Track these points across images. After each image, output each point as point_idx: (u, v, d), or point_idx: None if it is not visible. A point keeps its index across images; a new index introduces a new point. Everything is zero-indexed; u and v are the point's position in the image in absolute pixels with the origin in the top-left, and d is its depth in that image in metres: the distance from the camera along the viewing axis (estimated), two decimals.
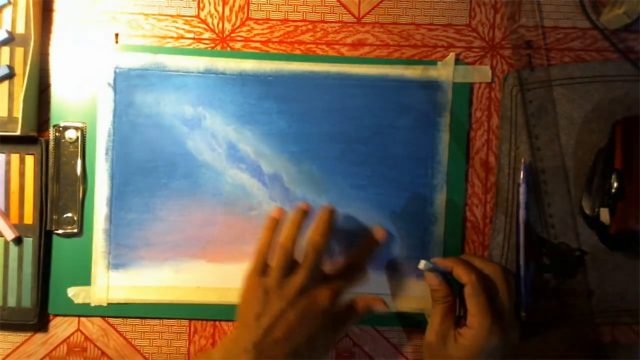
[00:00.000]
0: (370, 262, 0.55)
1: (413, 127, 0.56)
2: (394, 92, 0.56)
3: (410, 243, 0.56)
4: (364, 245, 0.55)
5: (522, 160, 0.55)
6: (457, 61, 0.56)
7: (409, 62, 0.56)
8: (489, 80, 0.56)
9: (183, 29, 0.56)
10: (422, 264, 0.50)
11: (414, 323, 0.56)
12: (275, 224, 0.52)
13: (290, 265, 0.50)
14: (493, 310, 0.48)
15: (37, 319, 0.54)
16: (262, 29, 0.56)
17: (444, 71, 0.56)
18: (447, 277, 0.51)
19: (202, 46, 0.56)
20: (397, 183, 0.56)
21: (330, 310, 0.49)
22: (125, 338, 0.56)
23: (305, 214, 0.52)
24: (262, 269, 0.50)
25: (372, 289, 0.56)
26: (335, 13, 0.56)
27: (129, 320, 0.56)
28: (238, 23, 0.56)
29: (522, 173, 0.55)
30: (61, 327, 0.56)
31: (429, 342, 0.51)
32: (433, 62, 0.56)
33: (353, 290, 0.52)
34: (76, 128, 0.55)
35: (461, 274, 0.49)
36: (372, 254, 0.55)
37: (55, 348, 0.56)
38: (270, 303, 0.48)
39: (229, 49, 0.56)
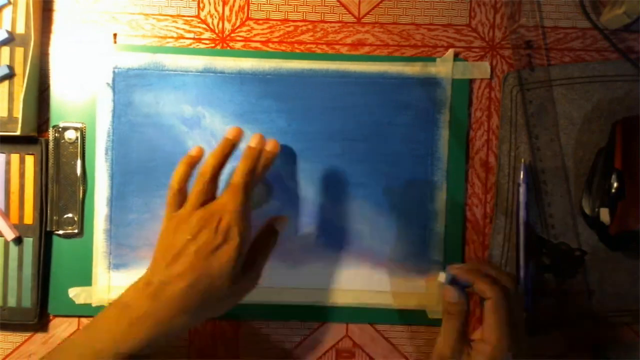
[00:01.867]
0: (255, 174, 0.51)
1: (412, 124, 0.56)
2: (393, 89, 0.56)
3: (411, 240, 0.56)
4: (242, 158, 0.51)
5: (522, 161, 0.55)
6: (456, 58, 0.56)
7: (408, 59, 0.56)
8: (488, 76, 0.56)
9: (183, 29, 0.56)
10: (442, 277, 0.48)
11: (414, 320, 0.56)
12: (193, 160, 0.50)
13: (210, 197, 0.49)
14: (511, 325, 0.46)
15: (37, 319, 0.54)
16: (262, 29, 0.56)
17: (443, 68, 0.56)
18: (464, 290, 0.48)
19: (202, 46, 0.56)
20: (396, 180, 0.56)
21: (237, 246, 0.47)
22: None
23: (231, 143, 0.50)
24: (176, 203, 0.49)
25: (372, 286, 0.56)
26: (335, 13, 0.56)
27: None
28: (238, 23, 0.56)
29: (522, 173, 0.55)
30: (61, 327, 0.56)
31: (442, 356, 0.48)
32: (432, 59, 0.56)
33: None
34: (75, 128, 0.55)
35: (484, 288, 0.47)
36: (250, 162, 0.50)
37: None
38: (178, 234, 0.47)
39: (229, 49, 0.56)
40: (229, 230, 0.47)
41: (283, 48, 0.56)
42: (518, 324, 0.48)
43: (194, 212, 0.48)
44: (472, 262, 0.51)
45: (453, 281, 0.48)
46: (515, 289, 0.48)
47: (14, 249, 0.54)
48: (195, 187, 0.49)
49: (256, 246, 0.50)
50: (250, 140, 0.51)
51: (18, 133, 0.53)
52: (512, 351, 0.46)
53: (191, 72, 0.56)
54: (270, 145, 0.52)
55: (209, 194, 0.49)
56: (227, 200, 0.48)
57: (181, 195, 0.49)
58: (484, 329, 0.46)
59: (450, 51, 0.56)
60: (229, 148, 0.50)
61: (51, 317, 0.56)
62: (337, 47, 0.56)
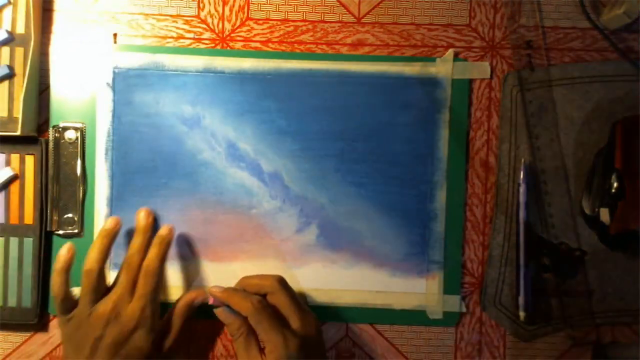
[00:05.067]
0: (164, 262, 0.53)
1: (412, 124, 0.56)
2: (393, 89, 0.56)
3: (411, 240, 0.56)
4: (153, 245, 0.53)
5: (522, 161, 0.55)
6: (456, 58, 0.56)
7: (408, 59, 0.56)
8: (488, 76, 0.56)
9: (183, 29, 0.56)
10: (211, 300, 0.50)
11: (414, 320, 0.56)
12: (66, 265, 0.51)
13: (102, 290, 0.51)
14: (283, 326, 0.48)
15: (37, 319, 0.55)
16: (262, 29, 0.56)
17: (443, 68, 0.56)
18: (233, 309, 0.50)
19: (202, 46, 0.56)
20: (397, 180, 0.56)
21: (146, 328, 0.50)
22: None
23: (111, 233, 0.52)
24: (66, 307, 0.50)
25: (372, 286, 0.56)
26: (335, 13, 0.56)
27: None
28: (238, 23, 0.56)
29: (522, 173, 0.55)
30: None
31: None
32: (432, 59, 0.56)
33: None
34: (75, 128, 0.55)
35: (238, 306, 0.49)
36: (162, 250, 0.52)
37: (55, 348, 0.56)
38: (83, 335, 0.49)
39: (229, 49, 0.56)
40: (141, 313, 0.49)
41: (283, 48, 0.56)
42: (294, 317, 0.49)
43: (94, 311, 0.49)
44: (241, 280, 0.53)
45: (220, 303, 0.50)
46: (280, 287, 0.50)
47: (14, 249, 0.54)
48: (85, 287, 0.50)
49: (170, 318, 0.53)
50: (161, 230, 0.53)
51: (18, 133, 0.53)
52: (297, 343, 0.47)
53: (191, 72, 0.56)
54: (166, 231, 0.53)
55: (101, 288, 0.51)
56: (140, 285, 0.50)
57: (68, 301, 0.51)
58: (258, 335, 0.48)
59: (450, 51, 0.56)
60: (109, 239, 0.52)
61: (51, 317, 0.56)
62: (337, 47, 0.56)
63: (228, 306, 0.50)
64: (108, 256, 0.52)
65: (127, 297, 0.50)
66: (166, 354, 0.52)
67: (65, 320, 0.50)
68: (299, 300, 0.50)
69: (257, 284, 0.51)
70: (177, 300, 0.54)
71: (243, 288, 0.52)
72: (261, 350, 0.48)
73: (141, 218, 0.53)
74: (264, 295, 0.50)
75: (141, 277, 0.50)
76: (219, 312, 0.50)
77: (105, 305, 0.49)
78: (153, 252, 0.52)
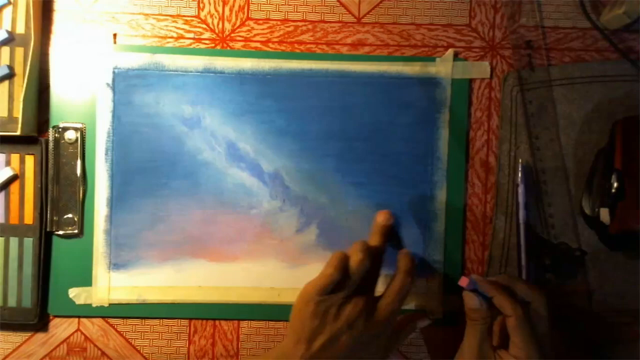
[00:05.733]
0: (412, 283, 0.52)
1: (412, 124, 0.56)
2: (393, 89, 0.56)
3: (411, 240, 0.56)
4: (402, 268, 0.52)
5: (520, 161, 0.55)
6: (456, 57, 0.56)
7: (408, 59, 0.56)
8: (488, 76, 0.56)
9: (183, 29, 0.56)
10: (464, 282, 0.49)
11: None
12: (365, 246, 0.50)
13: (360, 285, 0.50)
14: (537, 341, 0.47)
15: (37, 319, 0.54)
16: (262, 29, 0.56)
17: (443, 67, 0.56)
18: (487, 298, 0.49)
19: (202, 46, 0.56)
20: (397, 180, 0.56)
21: (382, 334, 0.50)
22: (125, 338, 0.56)
23: (383, 229, 0.53)
24: (327, 287, 0.48)
25: None
26: (335, 13, 0.56)
27: (129, 320, 0.56)
28: (238, 23, 0.56)
29: (520, 174, 0.55)
30: (61, 327, 0.56)
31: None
32: (432, 59, 0.56)
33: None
34: (75, 129, 0.55)
35: (505, 305, 0.48)
36: (412, 273, 0.52)
37: (55, 348, 0.56)
38: (328, 323, 0.48)
39: (229, 49, 0.56)
40: (387, 323, 0.50)
41: (283, 48, 0.56)
42: (546, 339, 0.48)
43: (349, 304, 0.48)
44: (502, 276, 0.51)
45: (475, 289, 0.49)
46: (544, 306, 0.48)
47: (14, 249, 0.54)
48: (354, 277, 0.49)
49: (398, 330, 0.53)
50: (404, 261, 0.52)
51: (18, 133, 0.53)
52: None
53: (191, 72, 0.56)
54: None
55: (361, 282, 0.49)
56: (384, 307, 0.50)
57: (333, 280, 0.49)
58: (511, 346, 0.47)
59: (450, 51, 0.56)
60: (383, 236, 0.53)
61: (51, 317, 0.56)
62: (337, 47, 0.56)
63: (478, 292, 0.49)
64: (380, 251, 0.52)
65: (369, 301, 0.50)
66: None
67: (318, 300, 0.48)
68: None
69: (526, 293, 0.49)
70: (402, 319, 0.54)
71: (508, 286, 0.49)
72: (492, 348, 0.48)
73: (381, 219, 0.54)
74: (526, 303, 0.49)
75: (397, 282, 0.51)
76: (470, 297, 0.49)
77: (359, 303, 0.49)
78: (398, 287, 0.51)
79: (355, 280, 0.49)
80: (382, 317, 0.49)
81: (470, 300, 0.49)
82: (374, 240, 0.53)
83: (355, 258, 0.48)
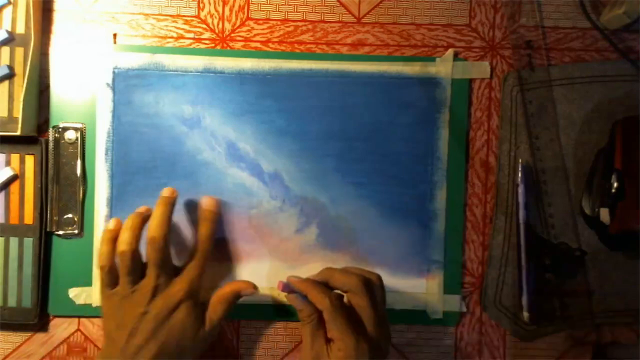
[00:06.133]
0: (215, 236, 0.53)
1: (412, 124, 0.56)
2: (393, 89, 0.56)
3: (411, 240, 0.56)
4: (202, 221, 0.53)
5: (520, 161, 0.55)
6: (456, 57, 0.56)
7: (408, 59, 0.56)
8: (488, 76, 0.56)
9: (183, 29, 0.56)
10: (280, 286, 0.50)
11: (414, 320, 0.56)
12: (113, 234, 0.51)
13: (139, 269, 0.50)
14: (357, 329, 0.47)
15: (37, 319, 0.54)
16: (262, 29, 0.56)
17: (443, 67, 0.56)
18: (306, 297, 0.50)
19: (202, 46, 0.56)
20: (397, 180, 0.56)
21: (191, 302, 0.50)
22: None
23: (140, 215, 0.52)
24: (110, 281, 0.50)
25: None
26: (335, 13, 0.56)
27: None
28: (238, 23, 0.56)
29: (519, 174, 0.55)
30: (61, 327, 0.56)
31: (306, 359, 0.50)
32: (432, 59, 0.56)
33: (207, 271, 0.52)
34: (75, 129, 0.55)
35: (315, 300, 0.49)
36: (213, 226, 0.53)
37: (55, 348, 0.56)
38: (126, 311, 0.49)
39: (229, 49, 0.56)
40: (188, 290, 0.50)
41: (283, 48, 0.56)
42: (372, 323, 0.48)
43: (137, 289, 0.50)
44: (322, 270, 0.52)
45: (292, 290, 0.50)
46: (364, 290, 0.49)
47: (14, 249, 0.54)
48: (121, 269, 0.50)
49: (216, 299, 0.52)
50: (205, 204, 0.54)
51: (18, 133, 0.53)
52: (368, 352, 0.47)
53: (191, 72, 0.56)
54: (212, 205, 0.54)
55: (137, 267, 0.50)
56: (192, 266, 0.51)
57: (113, 272, 0.51)
58: (328, 331, 0.49)
59: (450, 51, 0.56)
60: (141, 221, 0.52)
61: (51, 317, 0.56)
62: (337, 47, 0.56)
63: (299, 294, 0.50)
64: (140, 236, 0.51)
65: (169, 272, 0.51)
66: (204, 338, 0.51)
67: (110, 294, 0.50)
68: (380, 306, 0.50)
69: (341, 281, 0.50)
70: (223, 287, 0.53)
71: (326, 280, 0.51)
72: (327, 340, 0.49)
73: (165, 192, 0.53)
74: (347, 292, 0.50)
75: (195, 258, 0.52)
76: (292, 299, 0.50)
77: (148, 281, 0.50)
78: (203, 231, 0.53)
79: (126, 270, 0.50)
80: (189, 277, 0.51)
81: (293, 302, 0.50)
82: (203, 228, 0.53)
83: (122, 247, 0.50)
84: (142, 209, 0.53)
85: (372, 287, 0.50)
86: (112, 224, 0.52)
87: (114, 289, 0.50)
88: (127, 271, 0.50)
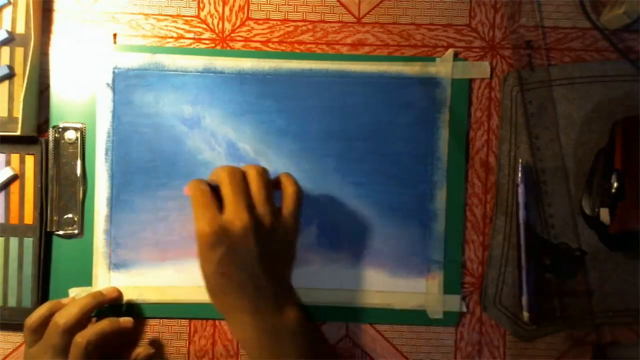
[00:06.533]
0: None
1: (412, 124, 0.56)
2: (393, 89, 0.56)
3: (411, 240, 0.56)
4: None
5: (520, 161, 0.55)
6: (456, 57, 0.56)
7: (408, 59, 0.56)
8: (488, 76, 0.56)
9: (183, 29, 0.56)
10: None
11: (414, 320, 0.56)
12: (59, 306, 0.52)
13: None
14: (211, 210, 0.46)
15: None
16: (262, 29, 0.56)
17: (443, 67, 0.56)
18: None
19: (202, 46, 0.56)
20: (397, 180, 0.56)
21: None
22: None
23: (96, 299, 0.53)
24: (32, 341, 0.51)
25: (373, 286, 0.56)
26: (335, 13, 0.56)
27: None
28: (238, 23, 0.56)
29: (519, 174, 0.55)
30: None
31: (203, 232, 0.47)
32: (432, 59, 0.56)
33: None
34: (75, 129, 0.55)
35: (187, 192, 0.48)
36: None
37: None
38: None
39: (229, 49, 0.56)
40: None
41: (283, 48, 0.56)
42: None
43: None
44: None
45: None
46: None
47: (14, 249, 0.54)
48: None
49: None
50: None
51: (18, 133, 0.53)
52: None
53: (191, 72, 0.56)
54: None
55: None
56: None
57: (35, 334, 0.51)
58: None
59: (450, 51, 0.56)
60: (94, 305, 0.53)
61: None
62: (337, 47, 0.56)
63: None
64: (84, 320, 0.52)
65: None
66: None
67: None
68: (244, 195, 0.48)
69: (214, 173, 0.49)
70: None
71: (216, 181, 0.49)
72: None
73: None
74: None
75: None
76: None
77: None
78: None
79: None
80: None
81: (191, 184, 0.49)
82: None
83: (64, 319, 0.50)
84: (109, 289, 0.55)
85: (240, 176, 0.48)
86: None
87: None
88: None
